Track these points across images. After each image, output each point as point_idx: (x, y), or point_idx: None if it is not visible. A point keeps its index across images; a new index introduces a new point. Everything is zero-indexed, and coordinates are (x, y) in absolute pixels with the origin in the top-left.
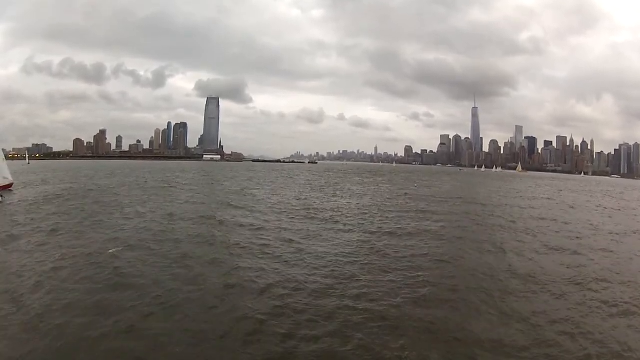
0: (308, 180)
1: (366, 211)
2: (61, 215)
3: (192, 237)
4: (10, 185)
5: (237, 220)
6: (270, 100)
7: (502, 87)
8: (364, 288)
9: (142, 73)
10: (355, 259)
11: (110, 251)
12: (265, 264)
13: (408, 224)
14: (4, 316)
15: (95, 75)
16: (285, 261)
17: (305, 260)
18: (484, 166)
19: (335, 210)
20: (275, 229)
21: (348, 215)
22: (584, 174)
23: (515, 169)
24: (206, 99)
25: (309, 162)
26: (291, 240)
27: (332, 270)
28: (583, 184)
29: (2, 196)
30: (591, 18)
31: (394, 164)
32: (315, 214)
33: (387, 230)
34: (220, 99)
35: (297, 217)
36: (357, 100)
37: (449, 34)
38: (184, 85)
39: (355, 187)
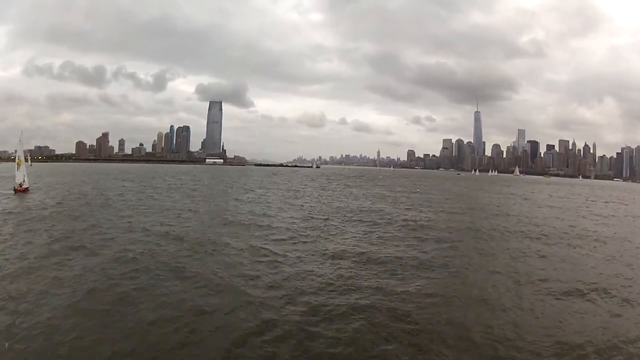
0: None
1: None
2: (74, 219)
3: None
4: (27, 189)
5: None
6: (271, 104)
7: (504, 91)
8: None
9: (142, 76)
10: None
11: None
12: None
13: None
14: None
15: (96, 78)
16: None
17: None
18: (478, 170)
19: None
20: None
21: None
22: (583, 177)
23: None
24: (208, 102)
25: (315, 167)
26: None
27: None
28: (588, 189)
29: None
30: (592, 21)
31: (392, 168)
32: None
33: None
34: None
35: None
36: (359, 104)
37: (449, 37)
38: (185, 88)
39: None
